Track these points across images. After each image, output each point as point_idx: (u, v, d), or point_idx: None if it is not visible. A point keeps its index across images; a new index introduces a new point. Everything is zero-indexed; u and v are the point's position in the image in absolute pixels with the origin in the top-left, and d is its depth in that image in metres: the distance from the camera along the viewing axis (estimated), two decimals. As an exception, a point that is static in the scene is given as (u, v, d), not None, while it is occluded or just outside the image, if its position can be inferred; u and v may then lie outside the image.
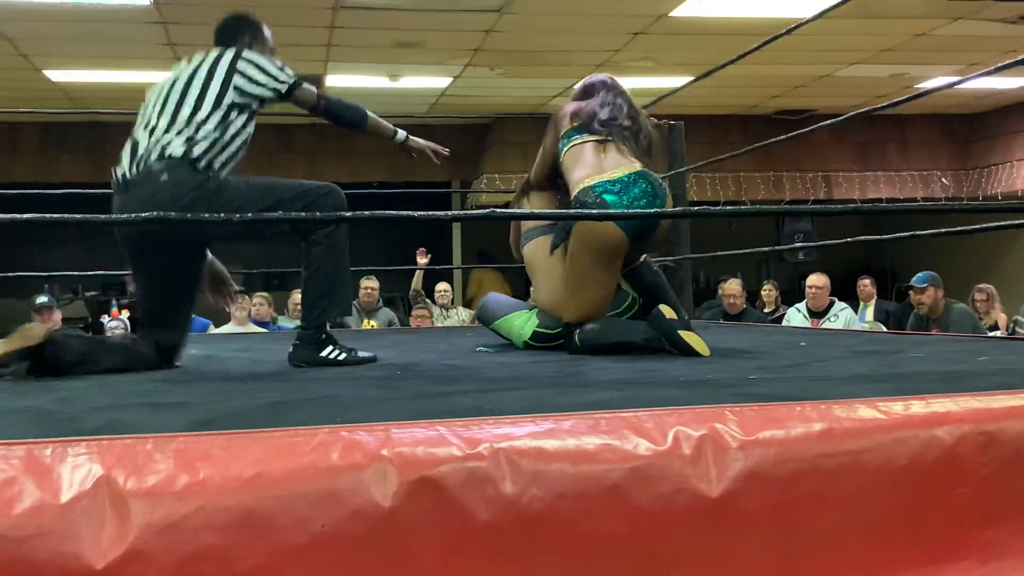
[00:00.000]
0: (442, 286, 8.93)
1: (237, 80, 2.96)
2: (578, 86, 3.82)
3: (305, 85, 3.09)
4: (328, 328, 3.12)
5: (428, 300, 8.62)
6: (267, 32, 3.20)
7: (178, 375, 2.71)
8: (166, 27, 7.51)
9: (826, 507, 1.62)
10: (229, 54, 3.01)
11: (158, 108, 2.96)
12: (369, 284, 8.15)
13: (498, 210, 2.48)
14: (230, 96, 2.95)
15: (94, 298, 12.14)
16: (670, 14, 7.49)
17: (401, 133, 3.39)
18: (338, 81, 9.33)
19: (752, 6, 7.22)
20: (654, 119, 3.86)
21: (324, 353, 3.04)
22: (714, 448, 1.60)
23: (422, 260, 8.51)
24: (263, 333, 6.61)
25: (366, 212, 2.11)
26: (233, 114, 2.95)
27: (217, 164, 2.91)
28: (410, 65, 8.88)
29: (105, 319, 8.89)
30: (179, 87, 2.97)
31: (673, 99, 6.60)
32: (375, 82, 9.40)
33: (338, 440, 1.51)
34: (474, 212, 2.57)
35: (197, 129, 2.90)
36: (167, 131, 2.90)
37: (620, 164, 3.42)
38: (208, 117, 2.91)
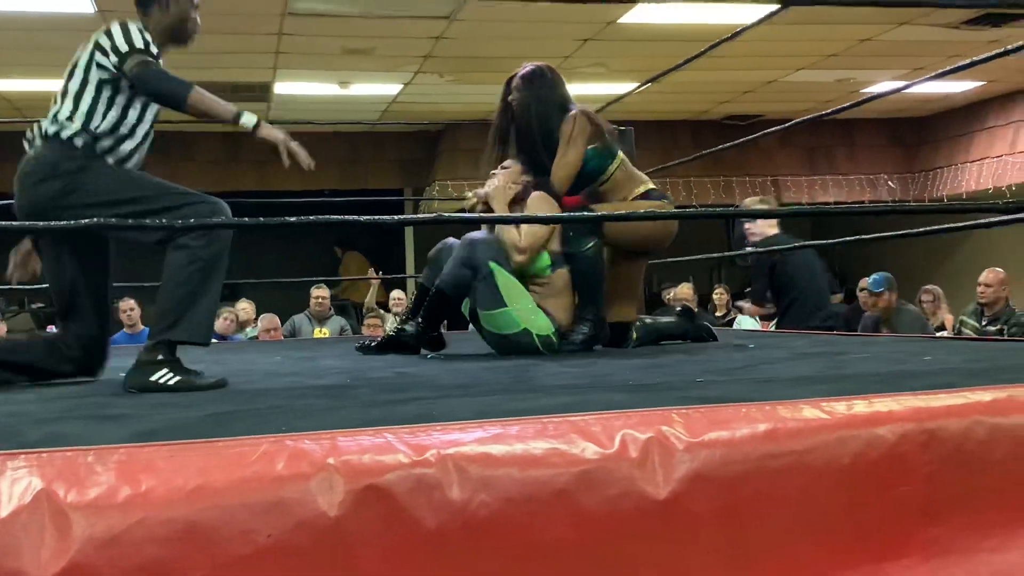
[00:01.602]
0: (396, 294, 8.92)
1: (97, 55, 2.81)
2: (542, 72, 3.85)
3: (143, 57, 2.77)
4: (171, 350, 2.72)
5: (382, 310, 8.61)
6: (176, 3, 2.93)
7: (119, 387, 2.67)
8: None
9: (772, 507, 1.64)
10: (101, 28, 2.84)
11: (60, 89, 2.88)
12: (319, 293, 8.12)
13: (446, 214, 2.47)
14: (95, 72, 2.82)
15: (40, 310, 11.98)
16: (619, 20, 7.54)
17: (248, 118, 2.79)
18: (287, 89, 9.28)
19: (700, 13, 7.28)
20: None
21: (155, 377, 2.65)
22: (661, 451, 1.61)
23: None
24: (214, 344, 6.55)
25: (311, 217, 2.10)
26: (105, 91, 2.82)
27: (89, 143, 2.80)
28: (360, 72, 8.86)
29: (51, 329, 8.78)
30: (71, 66, 2.88)
31: (624, 104, 6.65)
32: (325, 89, 9.37)
33: (283, 449, 1.51)
34: (423, 216, 2.57)
35: (72, 107, 2.82)
36: (51, 110, 2.85)
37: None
38: (79, 94, 2.82)
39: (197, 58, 7.93)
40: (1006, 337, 6.09)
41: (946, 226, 3.17)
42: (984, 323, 6.66)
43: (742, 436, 1.66)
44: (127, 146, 2.87)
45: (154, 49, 2.82)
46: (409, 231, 12.05)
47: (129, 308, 7.64)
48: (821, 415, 1.73)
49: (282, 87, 9.17)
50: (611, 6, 7.15)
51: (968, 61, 3.14)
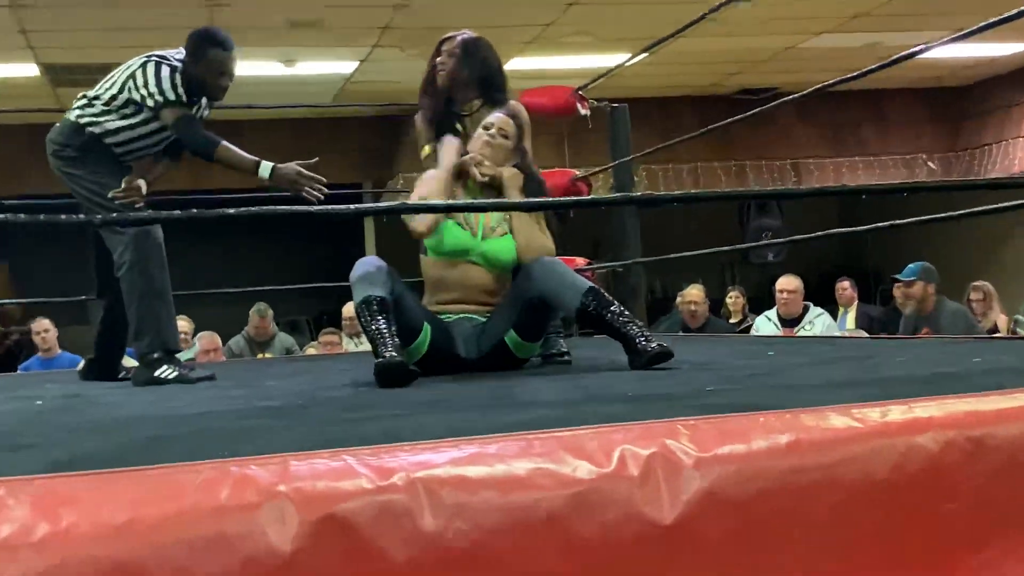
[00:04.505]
0: (351, 308, 8.76)
1: (130, 81, 3.88)
2: (484, 52, 3.97)
3: (177, 110, 3.83)
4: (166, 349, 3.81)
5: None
6: (217, 54, 3.86)
7: (34, 414, 2.69)
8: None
9: (795, 530, 1.65)
10: (145, 58, 3.90)
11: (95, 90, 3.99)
12: (256, 313, 8.07)
13: (409, 202, 2.48)
14: (125, 92, 3.88)
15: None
16: (609, -20, 7.58)
17: (264, 168, 3.73)
18: (224, 69, 9.28)
19: (703, -32, 7.32)
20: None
21: (157, 372, 3.73)
22: (665, 468, 1.62)
23: None
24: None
25: (253, 208, 2.11)
26: (124, 105, 3.89)
27: (98, 134, 3.90)
28: (307, 48, 8.86)
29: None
30: (108, 80, 3.97)
31: (615, 79, 6.67)
32: (266, 69, 9.35)
33: (226, 476, 1.51)
34: (381, 205, 2.57)
35: (90, 104, 3.93)
36: (80, 102, 3.98)
37: None
38: (99, 97, 3.92)
39: (117, 35, 7.98)
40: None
41: (998, 206, 3.18)
42: (1046, 321, 6.70)
43: (760, 449, 1.67)
44: (129, 143, 3.95)
45: (185, 98, 3.85)
46: (369, 230, 12.04)
47: (43, 330, 7.49)
48: (851, 423, 1.74)
49: (217, 67, 9.17)
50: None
51: (1017, 11, 3.12)
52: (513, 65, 9.10)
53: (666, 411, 1.96)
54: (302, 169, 3.72)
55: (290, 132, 11.20)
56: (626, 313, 3.39)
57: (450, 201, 3.63)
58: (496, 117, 3.80)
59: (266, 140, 10.24)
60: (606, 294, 3.45)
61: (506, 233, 3.69)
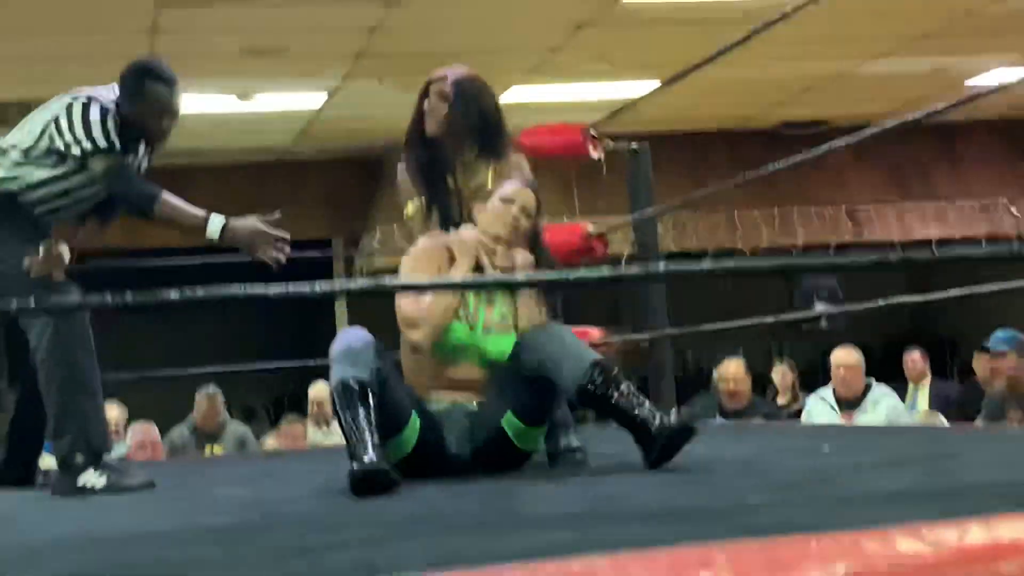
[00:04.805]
0: (319, 390, 8.63)
1: (51, 125, 3.79)
2: (480, 93, 4.00)
3: (109, 159, 3.75)
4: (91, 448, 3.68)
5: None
6: (158, 90, 3.82)
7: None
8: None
9: None
10: (71, 98, 3.83)
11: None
12: (204, 397, 8.05)
13: (388, 279, 2.45)
14: (45, 139, 3.79)
15: None
16: (625, -2, 7.61)
17: (215, 224, 3.71)
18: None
19: (738, -18, 7.36)
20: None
21: (81, 481, 3.61)
22: (698, 607, 1.60)
23: None
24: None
25: (197, 293, 2.08)
26: (44, 154, 3.80)
27: (12, 192, 3.79)
28: (267, 79, 8.90)
29: None
30: (25, 122, 3.91)
31: (635, 112, 6.71)
32: (218, 104, 9.40)
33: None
34: (357, 285, 2.54)
35: (2, 154, 3.82)
36: None
37: None
38: (15, 145, 3.82)
39: (36, 67, 8.00)
40: None
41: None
42: None
43: (813, 583, 1.65)
44: (49, 200, 3.84)
45: (119, 144, 3.76)
46: (341, 298, 12.04)
47: None
48: (922, 547, 1.72)
49: (158, 103, 9.21)
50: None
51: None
52: (512, 96, 9.11)
53: (699, 531, 1.95)
54: (260, 225, 3.71)
55: (244, 179, 11.21)
56: (638, 395, 3.36)
57: (442, 278, 3.61)
58: (517, 191, 3.76)
59: (218, 189, 10.24)
60: (617, 371, 3.42)
61: (510, 328, 3.68)
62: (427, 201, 3.94)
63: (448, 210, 3.93)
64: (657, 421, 3.27)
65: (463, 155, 3.96)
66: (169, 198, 3.74)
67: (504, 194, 3.75)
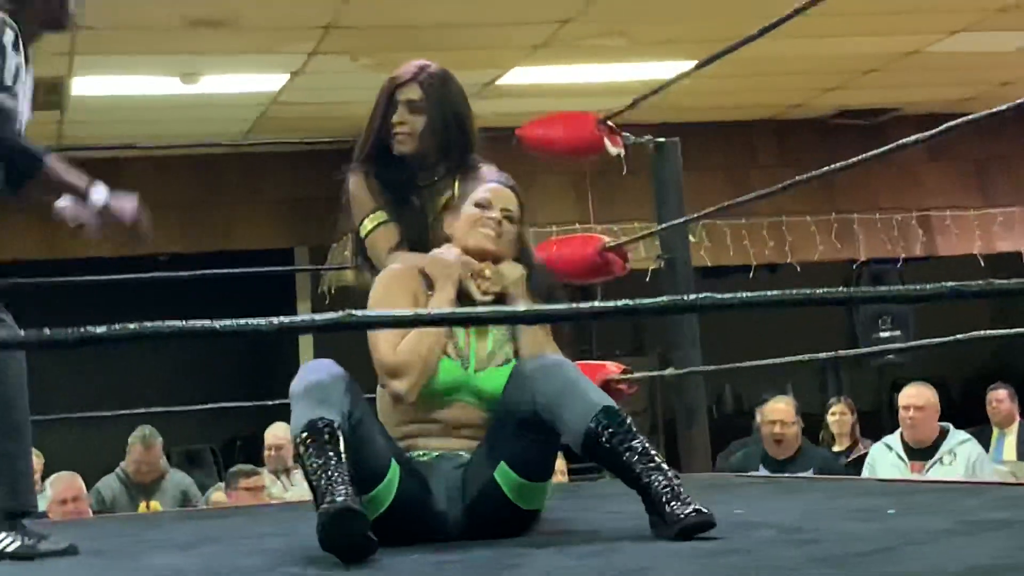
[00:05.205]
0: (277, 433, 8.70)
1: None
2: (455, 101, 4.10)
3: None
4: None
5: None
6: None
7: None
8: None
9: None
10: None
11: None
12: (138, 441, 8.10)
13: (356, 312, 2.45)
14: None
15: None
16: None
17: (99, 192, 3.66)
18: (92, 87, 9.41)
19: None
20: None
21: None
22: None
23: None
24: None
25: (128, 327, 2.16)
26: None
27: None
28: (215, 57, 9.00)
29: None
30: None
31: (664, 98, 6.80)
32: (159, 86, 9.51)
33: None
34: (323, 318, 2.56)
35: None
36: None
37: None
38: None
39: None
40: None
41: None
42: None
43: None
44: None
45: (12, 83, 3.59)
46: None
47: None
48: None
49: (84, 84, 9.29)
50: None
51: None
52: (514, 77, 9.19)
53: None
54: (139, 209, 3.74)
55: (190, 176, 11.25)
56: (652, 453, 3.37)
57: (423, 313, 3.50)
58: (494, 190, 3.81)
59: (155, 188, 10.09)
60: (630, 422, 3.42)
61: (508, 361, 3.72)
62: (389, 218, 4.05)
63: (412, 232, 4.03)
64: (669, 509, 3.25)
65: (434, 174, 4.07)
66: (56, 160, 3.69)
67: (478, 197, 3.79)
